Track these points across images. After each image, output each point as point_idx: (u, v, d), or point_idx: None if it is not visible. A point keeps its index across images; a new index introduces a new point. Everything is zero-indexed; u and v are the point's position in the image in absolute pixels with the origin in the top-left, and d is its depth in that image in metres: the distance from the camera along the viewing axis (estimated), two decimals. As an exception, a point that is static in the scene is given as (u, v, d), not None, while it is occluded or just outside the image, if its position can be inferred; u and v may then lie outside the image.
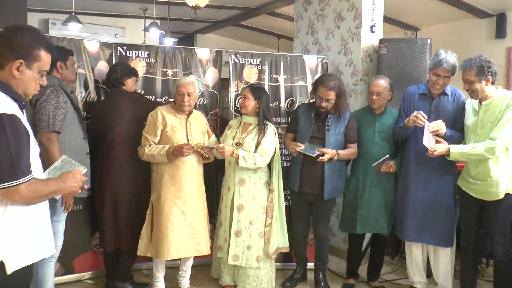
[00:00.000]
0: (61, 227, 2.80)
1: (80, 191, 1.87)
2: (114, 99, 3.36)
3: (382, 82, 3.43)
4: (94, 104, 3.56)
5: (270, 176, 3.38)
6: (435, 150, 2.93)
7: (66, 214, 2.79)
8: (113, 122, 3.27)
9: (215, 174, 3.90)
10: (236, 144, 3.30)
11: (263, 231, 3.34)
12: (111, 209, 3.27)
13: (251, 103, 3.33)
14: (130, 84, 3.42)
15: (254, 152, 3.24)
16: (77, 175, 1.81)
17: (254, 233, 3.32)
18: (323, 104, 3.31)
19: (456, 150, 2.93)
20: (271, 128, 3.32)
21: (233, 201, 3.32)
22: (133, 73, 3.46)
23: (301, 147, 3.26)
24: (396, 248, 4.15)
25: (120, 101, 3.32)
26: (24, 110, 1.72)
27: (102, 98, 3.62)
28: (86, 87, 3.56)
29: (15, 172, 1.56)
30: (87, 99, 3.57)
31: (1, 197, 1.59)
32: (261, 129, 3.28)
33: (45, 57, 1.72)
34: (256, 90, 3.39)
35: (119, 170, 3.26)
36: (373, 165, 3.32)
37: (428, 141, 2.95)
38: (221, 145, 3.19)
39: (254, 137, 3.29)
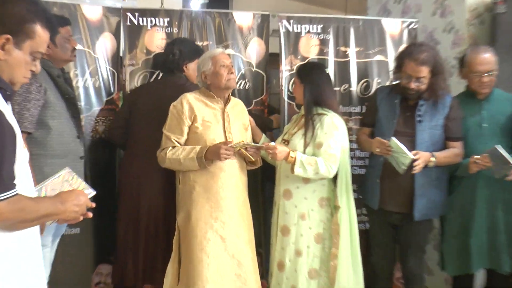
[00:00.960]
0: (48, 254, 2.83)
1: (81, 218, 1.89)
2: (168, 87, 3.44)
3: (489, 56, 3.35)
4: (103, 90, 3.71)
5: (334, 189, 3.31)
6: None
7: (54, 234, 2.83)
8: (164, 116, 3.30)
9: (261, 184, 3.89)
10: (282, 140, 3.33)
11: (317, 270, 3.27)
12: (145, 228, 3.38)
13: (298, 89, 3.35)
14: (192, 70, 3.51)
15: (303, 152, 3.19)
16: (81, 196, 1.84)
17: (302, 269, 3.26)
18: (412, 85, 3.23)
19: None
20: (328, 121, 3.23)
21: (278, 221, 3.31)
22: (197, 53, 3.51)
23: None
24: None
25: (179, 92, 3.31)
26: (9, 102, 1.75)
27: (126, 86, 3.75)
28: (84, 68, 3.61)
29: None
30: (86, 85, 3.62)
31: None
32: (308, 122, 3.25)
33: (41, 34, 1.74)
34: (301, 70, 3.44)
35: (159, 179, 3.37)
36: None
37: None
38: (272, 143, 3.15)
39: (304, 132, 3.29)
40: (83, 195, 1.86)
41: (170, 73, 3.51)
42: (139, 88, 3.68)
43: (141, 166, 3.40)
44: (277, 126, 3.83)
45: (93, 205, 1.93)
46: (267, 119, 3.79)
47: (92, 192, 1.98)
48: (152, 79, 3.77)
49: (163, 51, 3.68)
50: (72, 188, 1.94)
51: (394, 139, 3.13)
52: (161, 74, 3.76)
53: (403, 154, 3.10)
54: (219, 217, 3.14)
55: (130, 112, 3.51)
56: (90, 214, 1.93)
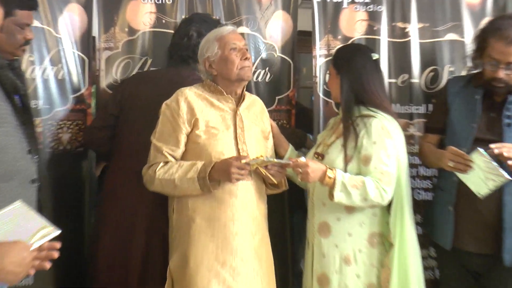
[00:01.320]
0: None
1: (22, 279, 2.04)
2: (179, 81, 3.36)
3: None
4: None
5: (387, 221, 3.19)
6: None
7: None
8: None
9: (288, 215, 3.86)
10: (315, 154, 3.27)
11: None
12: (139, 277, 3.36)
13: (333, 81, 3.31)
14: None
15: (345, 170, 3.09)
16: (25, 253, 1.86)
17: None
18: (501, 74, 3.09)
19: None
20: (376, 125, 3.12)
21: (313, 267, 3.22)
22: None
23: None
24: None
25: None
26: None
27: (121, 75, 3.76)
28: (43, 53, 3.58)
29: None
30: (45, 76, 3.60)
31: None
32: (349, 127, 3.17)
33: None
34: (338, 54, 3.39)
35: (164, 204, 3.30)
36: None
37: None
38: (302, 159, 3.01)
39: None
40: (28, 252, 1.86)
41: (183, 62, 3.50)
42: (136, 77, 3.66)
43: (137, 188, 3.29)
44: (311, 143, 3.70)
45: (58, 245, 1.96)
46: (299, 132, 3.75)
47: (54, 232, 1.99)
48: (137, 69, 3.74)
49: (156, 29, 3.73)
50: (23, 230, 1.95)
51: (481, 151, 2.95)
52: (150, 61, 3.77)
53: (495, 173, 2.93)
54: (227, 262, 3.01)
55: (121, 110, 3.48)
56: (48, 266, 1.95)
